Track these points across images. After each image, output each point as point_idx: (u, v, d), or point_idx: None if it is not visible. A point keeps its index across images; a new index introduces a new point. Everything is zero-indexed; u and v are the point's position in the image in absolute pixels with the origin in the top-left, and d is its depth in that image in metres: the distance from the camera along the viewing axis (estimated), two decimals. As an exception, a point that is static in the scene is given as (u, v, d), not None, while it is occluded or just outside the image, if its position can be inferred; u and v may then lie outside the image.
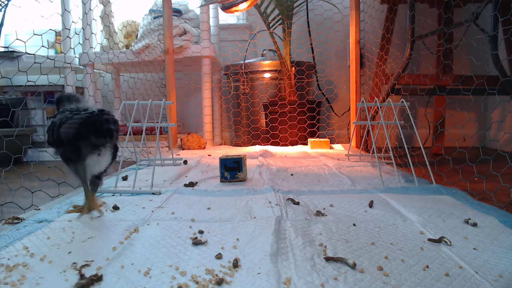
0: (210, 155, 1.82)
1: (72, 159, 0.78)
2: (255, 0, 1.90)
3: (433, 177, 1.11)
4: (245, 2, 1.87)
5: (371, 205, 0.88)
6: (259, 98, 2.30)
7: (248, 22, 2.71)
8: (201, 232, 0.71)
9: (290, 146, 2.16)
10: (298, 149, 2.05)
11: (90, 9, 2.17)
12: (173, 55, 2.16)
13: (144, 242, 0.66)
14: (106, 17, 2.34)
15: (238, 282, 0.52)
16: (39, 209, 0.90)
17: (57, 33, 2.51)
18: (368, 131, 1.70)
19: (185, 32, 2.28)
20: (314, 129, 2.26)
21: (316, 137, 2.20)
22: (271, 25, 2.25)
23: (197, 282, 0.51)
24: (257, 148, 2.06)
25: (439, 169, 1.33)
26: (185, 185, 1.12)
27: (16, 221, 0.79)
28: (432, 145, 2.15)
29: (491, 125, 2.37)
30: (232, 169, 1.18)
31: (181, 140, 2.13)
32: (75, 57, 2.31)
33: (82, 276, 0.53)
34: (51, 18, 1.55)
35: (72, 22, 2.21)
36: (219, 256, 0.60)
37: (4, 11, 1.47)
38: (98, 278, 0.52)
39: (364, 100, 1.48)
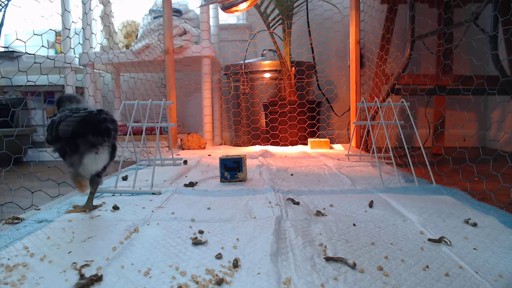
0: (210, 155, 1.82)
1: (68, 153, 0.79)
2: (255, 0, 1.90)
3: (433, 177, 1.11)
4: (245, 2, 1.87)
5: (371, 205, 0.88)
6: (259, 98, 2.30)
7: (248, 22, 2.71)
8: (201, 232, 0.71)
9: (290, 146, 2.16)
10: (298, 149, 2.05)
11: (90, 9, 2.17)
12: (173, 55, 2.16)
13: (144, 242, 0.66)
14: (106, 17, 2.34)
15: (238, 282, 0.52)
16: (39, 209, 0.90)
17: (57, 33, 2.51)
18: (368, 131, 1.70)
19: (185, 32, 2.28)
20: (314, 129, 2.26)
21: (316, 137, 2.19)
22: (271, 25, 2.25)
23: (197, 282, 0.51)
24: (257, 148, 2.06)
25: (439, 169, 1.33)
26: (185, 185, 1.12)
27: (16, 221, 0.79)
28: (432, 145, 2.15)
29: (491, 125, 2.37)
30: (232, 169, 1.18)
31: (181, 140, 2.13)
32: (75, 57, 2.31)
33: (82, 276, 0.53)
34: (51, 18, 1.55)
35: (72, 22, 2.21)
36: (219, 256, 0.60)
37: (4, 11, 1.47)
38: (98, 278, 0.52)
39: (364, 100, 1.48)
